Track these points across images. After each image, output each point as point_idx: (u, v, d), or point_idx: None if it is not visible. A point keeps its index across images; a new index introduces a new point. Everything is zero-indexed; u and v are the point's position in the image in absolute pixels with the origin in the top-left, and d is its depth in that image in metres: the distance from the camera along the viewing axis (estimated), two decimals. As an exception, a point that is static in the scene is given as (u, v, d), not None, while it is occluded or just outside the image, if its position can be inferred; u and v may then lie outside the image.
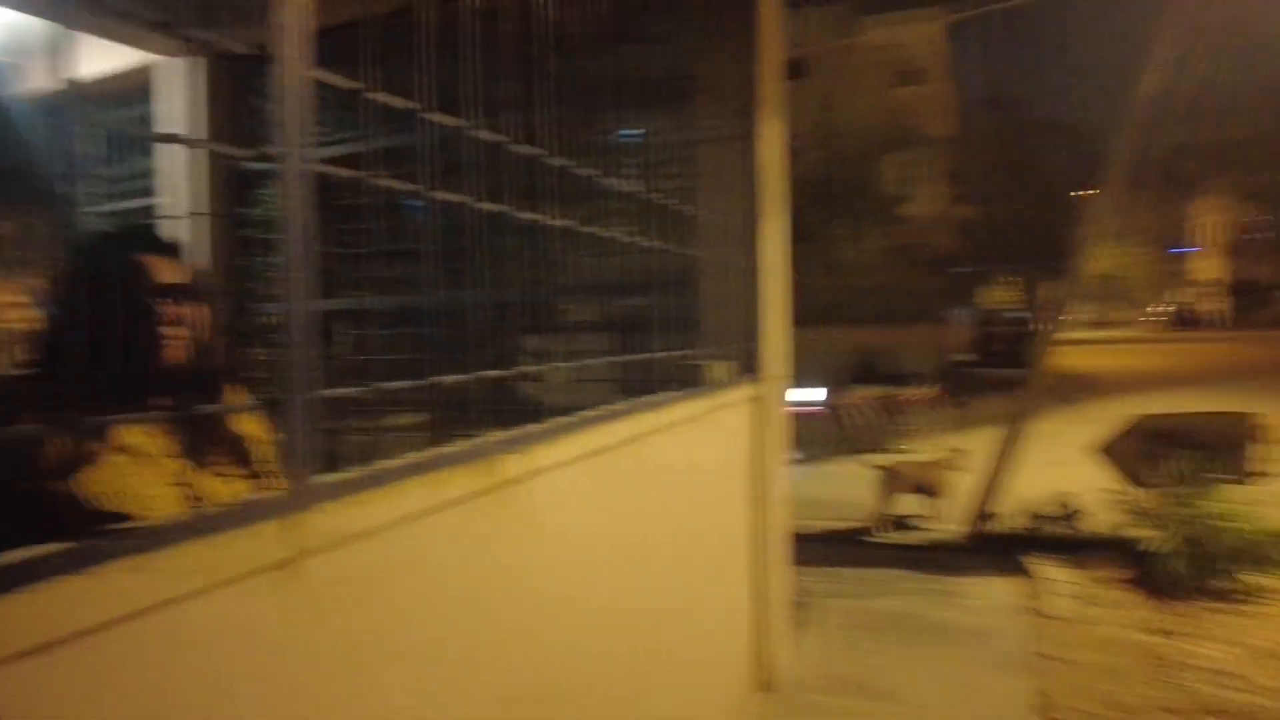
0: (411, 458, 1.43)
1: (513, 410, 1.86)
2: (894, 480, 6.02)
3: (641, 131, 2.88)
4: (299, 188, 1.20)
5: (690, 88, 3.19)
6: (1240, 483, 5.33)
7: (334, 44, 1.37)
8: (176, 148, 2.91)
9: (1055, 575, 4.90)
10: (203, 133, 2.98)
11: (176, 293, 1.45)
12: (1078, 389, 13.34)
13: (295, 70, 1.20)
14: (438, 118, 1.56)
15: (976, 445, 6.16)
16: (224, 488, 1.47)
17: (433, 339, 1.74)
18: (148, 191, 3.01)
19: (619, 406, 2.24)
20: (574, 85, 2.16)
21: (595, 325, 2.93)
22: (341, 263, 2.55)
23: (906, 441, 8.94)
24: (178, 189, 2.97)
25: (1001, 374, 13.12)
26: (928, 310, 16.13)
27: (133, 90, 3.05)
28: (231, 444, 1.52)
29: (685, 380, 2.81)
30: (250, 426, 1.54)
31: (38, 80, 2.66)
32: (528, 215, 1.86)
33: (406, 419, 2.30)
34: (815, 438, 8.16)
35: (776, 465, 3.51)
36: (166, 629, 0.98)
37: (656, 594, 2.48)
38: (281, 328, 1.18)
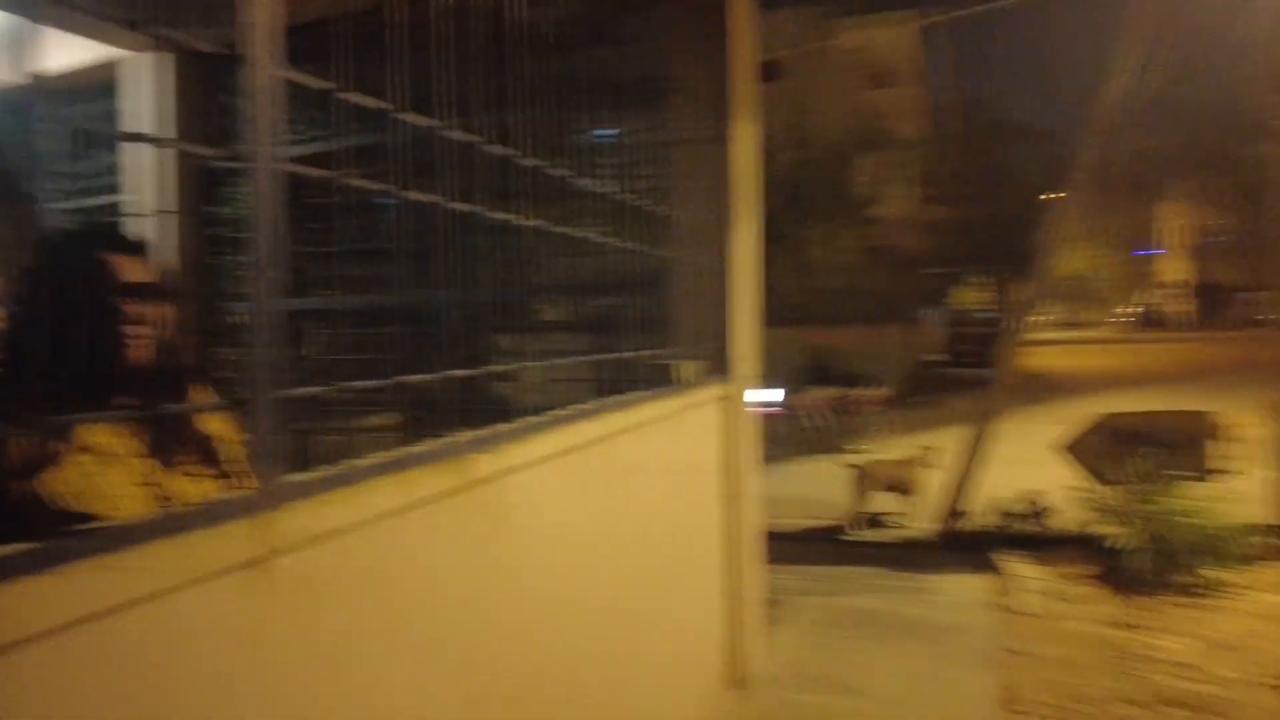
0: (381, 457, 1.44)
1: (485, 410, 1.86)
2: (867, 479, 6.09)
3: (616, 132, 2.90)
4: (269, 187, 1.19)
5: (664, 89, 3.21)
6: (1201, 479, 5.46)
7: (306, 41, 1.37)
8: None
9: (1024, 571, 4.98)
10: (170, 129, 2.94)
11: (142, 292, 1.44)
12: (1046, 388, 13.56)
13: (265, 70, 1.20)
14: (410, 118, 1.56)
15: (941, 444, 6.24)
16: (193, 487, 1.46)
17: (404, 338, 1.74)
18: (113, 188, 2.97)
19: (589, 406, 2.25)
20: (548, 86, 2.17)
21: (567, 325, 2.94)
22: (312, 262, 2.53)
23: (859, 441, 9.09)
24: (144, 186, 2.93)
25: (971, 374, 13.31)
26: (899, 311, 16.29)
27: (97, 85, 3.00)
28: (200, 444, 1.51)
29: (657, 380, 2.83)
30: (219, 426, 1.53)
31: None
32: (499, 215, 1.86)
33: (379, 419, 2.29)
34: (776, 437, 8.25)
35: (748, 464, 3.54)
36: (134, 628, 0.98)
37: (629, 592, 2.50)
38: (249, 327, 1.18)
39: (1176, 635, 3.99)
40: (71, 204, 2.96)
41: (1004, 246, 17.76)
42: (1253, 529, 4.95)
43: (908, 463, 6.20)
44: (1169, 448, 5.70)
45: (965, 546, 5.48)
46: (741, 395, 3.48)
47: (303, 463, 1.29)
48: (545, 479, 1.98)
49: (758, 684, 3.47)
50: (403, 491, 1.46)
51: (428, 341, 1.71)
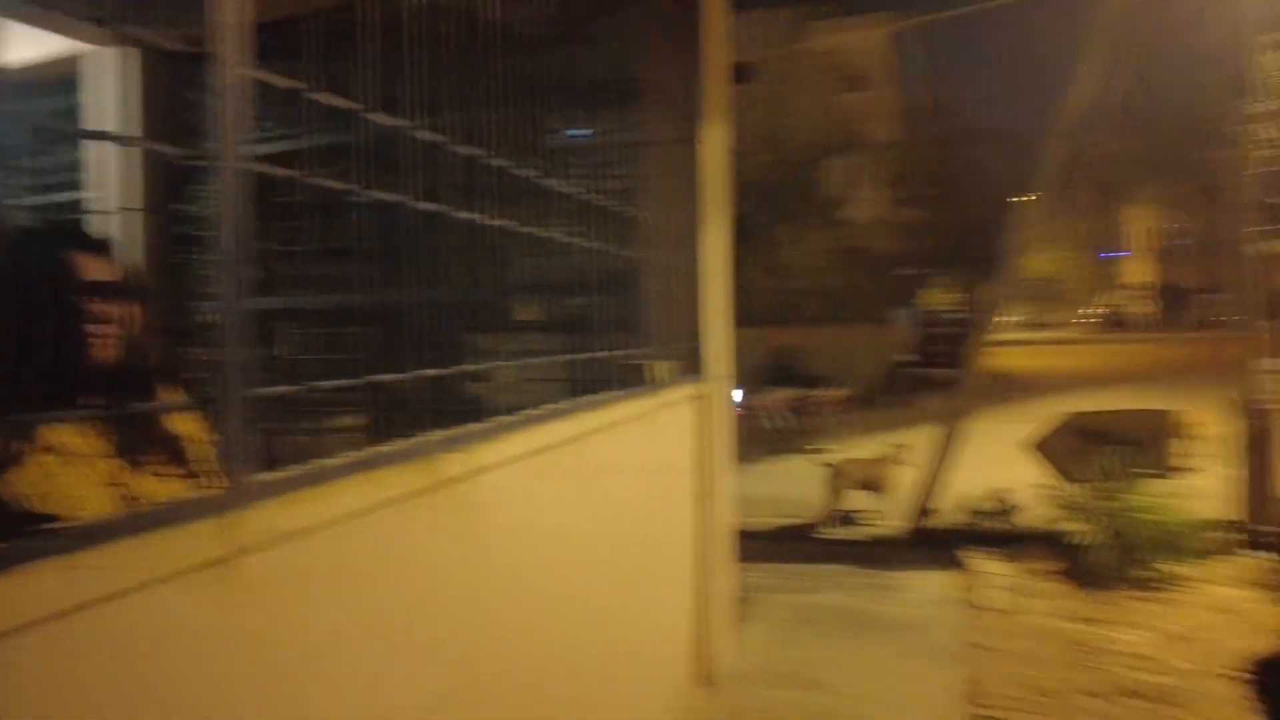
0: (350, 457, 1.44)
1: (457, 410, 1.87)
2: (841, 477, 6.16)
3: (589, 132, 2.91)
4: (235, 186, 1.19)
5: (635, 91, 3.22)
6: (1162, 476, 5.60)
7: (275, 39, 1.37)
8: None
9: (990, 568, 5.07)
10: (135, 125, 2.90)
11: (107, 290, 1.43)
12: (1014, 388, 13.78)
13: (233, 69, 1.20)
14: (379, 117, 1.56)
15: (910, 443, 6.33)
16: (160, 487, 1.45)
17: (375, 338, 1.74)
18: (75, 185, 2.92)
19: (562, 405, 2.26)
20: (519, 86, 2.17)
21: (541, 325, 2.94)
22: (283, 261, 2.51)
23: (818, 442, 9.25)
24: (108, 182, 2.89)
25: (940, 374, 13.49)
26: (869, 312, 16.46)
27: (59, 79, 2.95)
28: (167, 443, 1.50)
29: (630, 379, 2.84)
30: (187, 426, 1.52)
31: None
32: (465, 215, 1.87)
33: (351, 419, 2.29)
34: (740, 437, 8.35)
35: (720, 463, 3.57)
36: (99, 627, 0.98)
37: (599, 591, 2.51)
38: (218, 326, 1.18)
39: (1135, 628, 4.09)
40: (33, 201, 2.91)
41: (973, 248, 18.01)
42: (1209, 524, 5.08)
43: (880, 461, 6.28)
44: (1133, 446, 5.84)
45: (934, 544, 5.56)
46: (714, 394, 3.51)
47: (272, 462, 1.28)
48: (517, 478, 1.99)
49: (727, 680, 3.50)
50: (371, 491, 1.46)
51: (399, 341, 1.72)
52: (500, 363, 2.22)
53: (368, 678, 1.46)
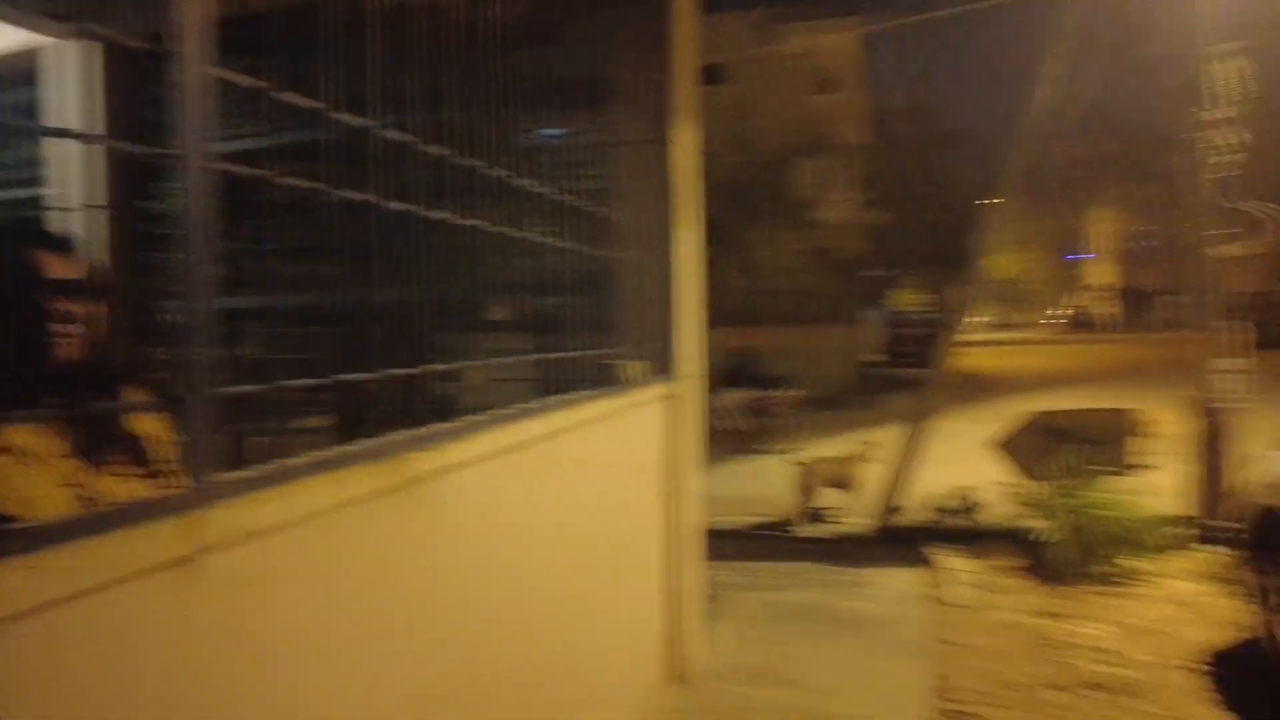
0: (315, 456, 1.43)
1: (426, 409, 1.87)
2: (811, 476, 6.22)
3: (560, 132, 2.91)
4: (200, 184, 1.19)
5: (607, 91, 3.23)
6: (1121, 474, 5.72)
7: (240, 34, 1.36)
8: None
9: (956, 565, 5.16)
10: (98, 121, 2.85)
11: (69, 289, 1.41)
12: (980, 388, 14.00)
13: (196, 67, 1.19)
14: (344, 117, 1.56)
15: (877, 442, 6.41)
16: (120, 488, 1.43)
17: (344, 338, 1.74)
18: (36, 181, 2.86)
19: (531, 405, 2.27)
20: (489, 85, 2.17)
21: (512, 325, 2.94)
22: (251, 260, 2.49)
23: (774, 442, 9.36)
24: (70, 179, 2.84)
25: (908, 374, 13.66)
26: (839, 312, 16.62)
27: (16, 73, 2.89)
28: (129, 444, 1.48)
29: (601, 379, 2.85)
30: (150, 426, 1.50)
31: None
32: (435, 214, 1.87)
33: (319, 419, 2.27)
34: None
35: (690, 462, 3.59)
36: (57, 627, 0.97)
37: (568, 589, 2.52)
38: (183, 325, 1.17)
39: (1096, 622, 4.18)
40: (-9, 197, 2.85)
41: (941, 250, 18.25)
42: (1167, 520, 5.21)
43: (850, 459, 6.35)
44: (1094, 444, 5.96)
45: (901, 541, 5.64)
46: (685, 394, 3.53)
47: (238, 462, 1.28)
48: (485, 477, 1.99)
49: (698, 678, 3.53)
50: (336, 490, 1.46)
51: (368, 341, 1.71)
52: (470, 362, 2.22)
53: (330, 676, 1.46)
